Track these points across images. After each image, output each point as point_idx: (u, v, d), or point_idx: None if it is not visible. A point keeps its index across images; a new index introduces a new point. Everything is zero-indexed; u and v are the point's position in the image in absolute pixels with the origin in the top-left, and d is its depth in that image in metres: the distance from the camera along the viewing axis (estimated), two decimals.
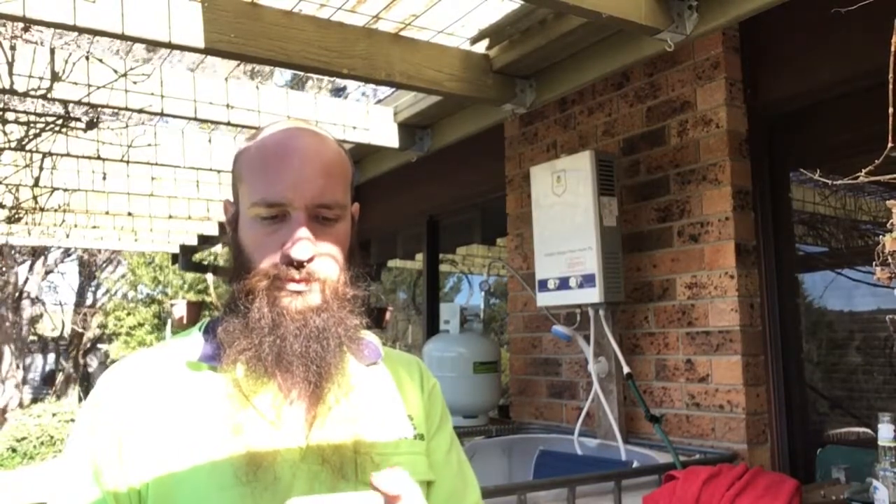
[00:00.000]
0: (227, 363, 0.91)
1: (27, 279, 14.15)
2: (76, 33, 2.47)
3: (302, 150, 0.95)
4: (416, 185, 4.47)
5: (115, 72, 2.86)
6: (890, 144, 1.44)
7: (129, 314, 16.13)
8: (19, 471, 10.65)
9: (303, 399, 0.91)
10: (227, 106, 3.15)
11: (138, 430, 0.88)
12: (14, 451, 11.21)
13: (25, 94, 2.80)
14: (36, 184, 4.10)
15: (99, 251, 14.13)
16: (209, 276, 9.24)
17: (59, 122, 3.43)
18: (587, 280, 2.66)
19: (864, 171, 1.51)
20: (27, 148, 3.55)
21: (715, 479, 2.00)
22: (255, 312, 0.91)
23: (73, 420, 12.34)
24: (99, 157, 3.75)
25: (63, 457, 0.92)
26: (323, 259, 0.93)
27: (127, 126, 3.68)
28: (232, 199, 1.02)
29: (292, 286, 0.91)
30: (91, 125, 3.40)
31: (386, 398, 1.02)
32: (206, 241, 6.46)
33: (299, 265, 0.90)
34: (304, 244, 0.90)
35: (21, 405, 13.64)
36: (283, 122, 1.02)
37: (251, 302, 0.91)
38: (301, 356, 0.90)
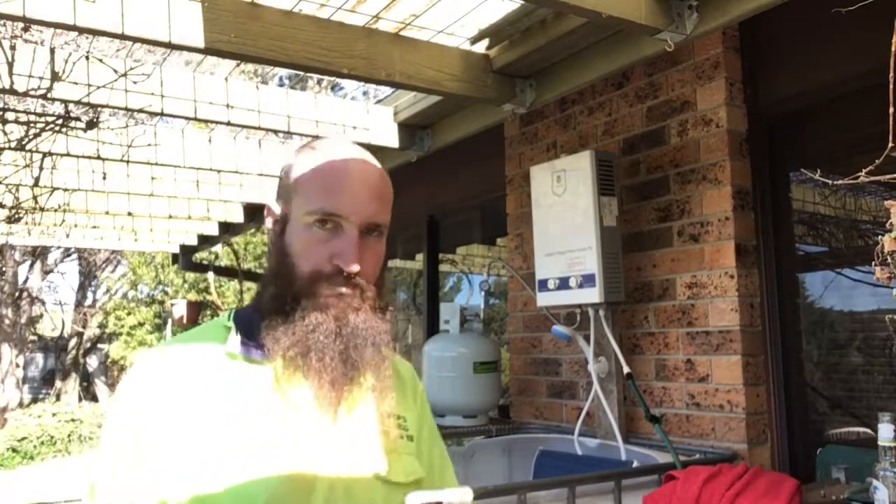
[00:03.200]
0: (273, 358, 0.97)
1: (27, 279, 14.15)
2: (76, 33, 2.47)
3: (363, 172, 1.06)
4: (416, 185, 4.46)
5: (115, 72, 2.86)
6: (890, 144, 1.44)
7: (129, 314, 16.14)
8: (19, 471, 10.65)
9: (338, 394, 0.98)
10: (227, 106, 3.15)
11: (174, 429, 0.93)
12: (14, 451, 11.21)
13: (25, 94, 2.79)
14: (36, 184, 4.09)
15: (99, 251, 14.13)
16: (210, 276, 9.24)
17: (59, 122, 3.43)
18: (587, 280, 2.65)
19: (864, 171, 1.51)
20: (27, 148, 3.55)
21: (715, 479, 1.99)
22: (301, 312, 0.98)
23: (73, 420, 12.34)
24: (99, 157, 3.75)
25: (103, 450, 0.97)
26: (365, 271, 1.01)
27: (127, 126, 3.68)
28: (277, 205, 1.08)
29: (338, 289, 0.99)
30: (91, 125, 3.40)
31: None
32: (206, 240, 6.46)
33: (347, 275, 0.99)
34: (355, 257, 0.99)
35: (21, 405, 13.64)
36: (341, 141, 1.11)
37: (296, 302, 0.98)
38: (341, 353, 0.97)
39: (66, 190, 4.50)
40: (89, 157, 3.75)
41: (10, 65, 2.70)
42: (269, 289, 1.03)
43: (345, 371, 0.97)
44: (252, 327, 1.01)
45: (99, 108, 3.28)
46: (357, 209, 1.01)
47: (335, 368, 0.96)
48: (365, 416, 1.02)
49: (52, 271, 15.52)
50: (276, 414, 0.96)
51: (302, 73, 5.05)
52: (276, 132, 3.91)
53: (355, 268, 0.99)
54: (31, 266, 14.15)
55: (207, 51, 2.35)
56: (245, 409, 0.95)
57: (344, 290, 0.99)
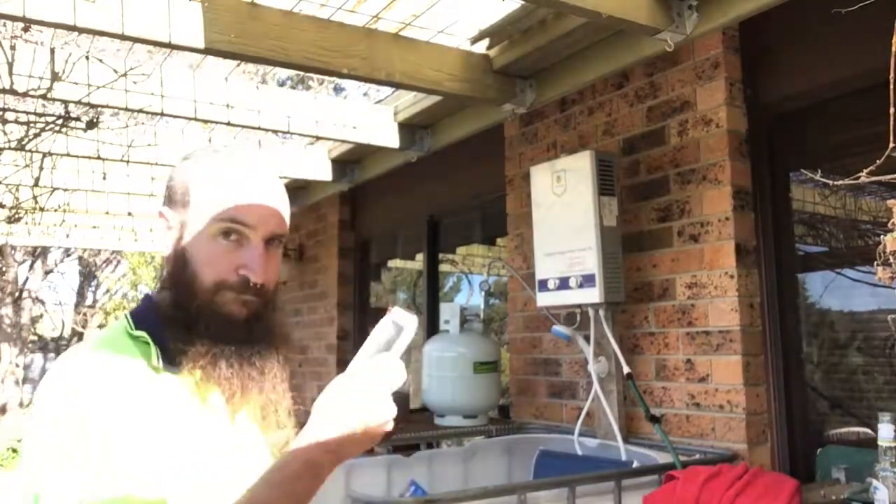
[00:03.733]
0: (188, 370, 0.98)
1: (27, 279, 14.15)
2: (76, 33, 2.48)
3: (267, 183, 1.07)
4: (416, 185, 4.47)
5: (115, 72, 2.86)
6: (891, 144, 1.44)
7: None
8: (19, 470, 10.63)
9: (246, 398, 1.02)
10: (227, 106, 3.15)
11: (120, 438, 0.91)
12: (14, 451, 11.20)
13: (25, 94, 2.79)
14: (36, 184, 4.10)
15: (99, 251, 14.13)
16: None
17: (59, 122, 3.43)
18: (587, 280, 2.65)
19: (865, 171, 1.51)
20: (27, 148, 3.55)
21: (715, 479, 1.99)
22: (206, 322, 1.00)
23: None
24: (99, 157, 3.75)
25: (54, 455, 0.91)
26: (269, 280, 1.05)
27: (127, 126, 3.68)
28: (172, 211, 1.07)
29: (243, 297, 1.02)
30: (91, 125, 3.40)
31: None
32: None
33: (253, 286, 1.02)
34: (262, 269, 1.02)
35: (21, 405, 13.64)
36: (240, 148, 1.13)
37: (200, 311, 1.00)
38: (248, 359, 1.01)
39: (66, 190, 4.50)
40: (89, 157, 3.75)
41: (10, 65, 2.70)
42: (169, 297, 1.03)
43: (252, 376, 1.01)
44: (162, 335, 1.01)
45: (99, 108, 3.28)
46: (264, 221, 1.03)
47: (245, 374, 1.00)
48: (269, 420, 1.07)
49: (52, 271, 15.51)
50: (203, 426, 0.99)
51: (302, 73, 5.03)
52: (275, 132, 3.91)
53: (261, 279, 1.02)
54: (32, 266, 14.15)
55: (207, 51, 2.35)
56: (178, 423, 0.96)
57: (249, 298, 1.02)
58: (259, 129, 3.39)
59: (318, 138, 3.96)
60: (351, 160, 4.44)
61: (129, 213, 5.14)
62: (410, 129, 3.71)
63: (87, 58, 2.84)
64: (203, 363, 0.98)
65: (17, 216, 4.67)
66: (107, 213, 5.09)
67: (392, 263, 5.68)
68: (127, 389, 0.94)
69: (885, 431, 1.74)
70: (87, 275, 16.57)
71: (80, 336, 16.23)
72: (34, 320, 15.71)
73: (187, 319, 1.00)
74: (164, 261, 1.08)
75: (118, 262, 15.93)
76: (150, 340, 1.00)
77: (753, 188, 2.59)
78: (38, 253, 13.54)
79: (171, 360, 0.99)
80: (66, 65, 2.78)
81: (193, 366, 0.98)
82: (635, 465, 2.45)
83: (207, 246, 1.02)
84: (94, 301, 17.01)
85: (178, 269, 1.03)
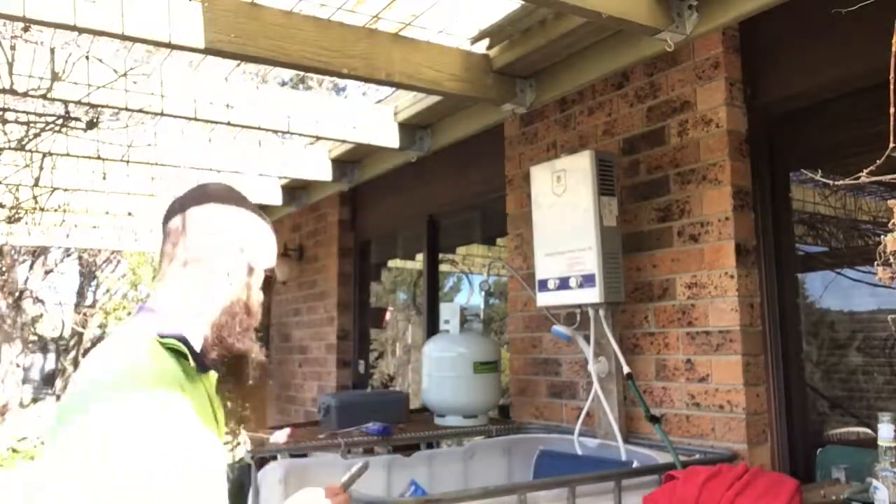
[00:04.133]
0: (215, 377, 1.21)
1: (27, 279, 14.15)
2: (76, 33, 2.48)
3: None
4: (416, 185, 4.47)
5: (115, 72, 2.86)
6: (891, 144, 1.44)
7: (129, 313, 16.10)
8: (19, 470, 10.63)
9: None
10: (227, 106, 3.15)
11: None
12: (15, 451, 11.19)
13: (25, 94, 2.79)
14: (36, 184, 4.09)
15: (99, 251, 14.12)
16: None
17: (59, 122, 3.43)
18: (587, 280, 2.65)
19: (865, 171, 1.51)
20: (27, 148, 3.55)
21: (715, 479, 1.99)
22: (260, 343, 1.23)
23: None
24: (99, 157, 3.75)
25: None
26: None
27: (127, 126, 3.68)
28: (238, 247, 1.22)
29: None
30: (91, 125, 3.40)
31: None
32: None
33: None
34: None
35: (21, 405, 13.63)
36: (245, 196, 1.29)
37: (240, 335, 1.21)
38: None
39: (66, 190, 4.50)
40: (89, 157, 3.75)
41: (10, 65, 2.70)
42: (234, 320, 1.20)
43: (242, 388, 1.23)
44: (190, 346, 1.14)
45: (99, 108, 3.28)
46: None
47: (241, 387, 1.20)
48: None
49: (52, 271, 15.50)
50: (213, 431, 1.13)
51: (302, 73, 5.03)
52: (275, 132, 3.91)
53: None
54: (31, 266, 14.15)
55: (207, 51, 2.36)
56: (197, 427, 1.08)
57: None
58: (259, 128, 3.39)
59: (318, 138, 3.96)
60: (351, 160, 4.44)
61: (129, 213, 5.14)
62: (410, 129, 3.71)
63: (87, 58, 2.84)
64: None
65: (17, 216, 4.67)
66: (107, 213, 5.09)
67: (392, 263, 5.68)
68: (154, 393, 1.02)
69: (885, 431, 1.74)
70: (87, 275, 16.56)
71: (80, 336, 16.22)
72: (34, 320, 15.70)
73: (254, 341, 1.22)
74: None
75: (118, 262, 15.92)
76: (183, 348, 1.10)
77: (753, 188, 2.59)
78: (38, 253, 13.54)
79: (201, 368, 1.14)
80: (66, 65, 2.78)
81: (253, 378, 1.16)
82: (635, 465, 2.45)
83: (258, 284, 1.25)
84: (94, 301, 16.99)
85: (244, 297, 1.22)
